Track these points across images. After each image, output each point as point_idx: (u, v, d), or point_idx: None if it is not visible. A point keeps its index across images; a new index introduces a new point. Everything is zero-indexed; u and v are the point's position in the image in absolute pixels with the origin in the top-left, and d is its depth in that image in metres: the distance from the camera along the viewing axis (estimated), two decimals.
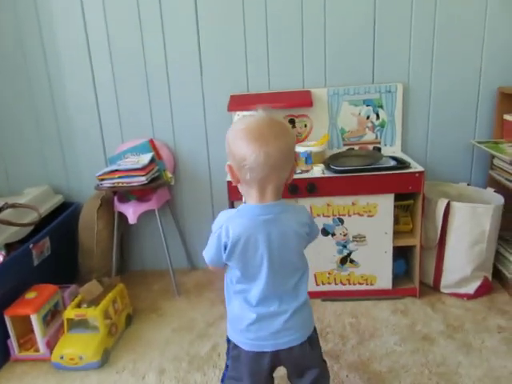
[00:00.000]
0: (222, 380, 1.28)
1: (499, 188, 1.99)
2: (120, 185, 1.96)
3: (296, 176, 1.85)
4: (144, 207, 2.07)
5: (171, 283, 2.16)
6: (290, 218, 1.08)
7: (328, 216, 1.89)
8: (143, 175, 1.93)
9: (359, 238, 1.91)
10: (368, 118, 2.11)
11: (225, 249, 1.06)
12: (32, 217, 1.98)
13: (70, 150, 2.30)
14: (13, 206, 1.91)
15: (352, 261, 1.95)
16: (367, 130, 2.12)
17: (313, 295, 1.97)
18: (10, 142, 2.31)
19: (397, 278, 1.99)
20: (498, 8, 1.96)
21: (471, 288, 1.93)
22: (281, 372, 1.28)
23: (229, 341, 1.19)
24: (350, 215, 1.89)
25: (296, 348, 1.12)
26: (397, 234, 1.91)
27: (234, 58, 2.10)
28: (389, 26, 2.02)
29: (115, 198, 2.13)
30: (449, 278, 1.95)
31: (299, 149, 1.96)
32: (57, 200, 2.25)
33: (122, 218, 2.12)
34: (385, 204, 1.85)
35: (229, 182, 1.86)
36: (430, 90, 2.08)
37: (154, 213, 2.08)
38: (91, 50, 2.14)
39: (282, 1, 2.01)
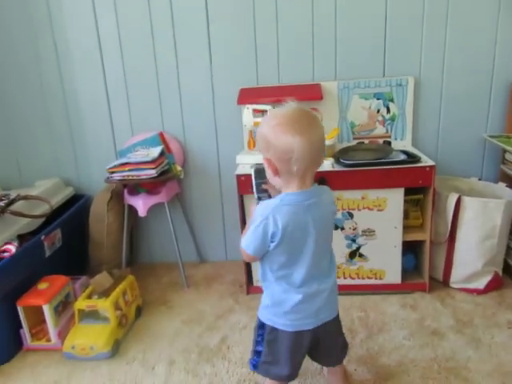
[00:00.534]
0: (255, 367, 1.28)
1: (511, 183, 1.97)
2: (130, 178, 1.97)
3: None
4: (154, 200, 2.08)
5: (180, 275, 2.17)
6: (327, 199, 1.18)
7: (337, 210, 1.89)
8: (153, 168, 1.94)
9: (368, 233, 1.91)
10: (378, 111, 2.09)
11: (271, 238, 1.11)
12: (43, 209, 2.00)
13: (81, 143, 2.32)
14: (25, 197, 1.93)
15: (361, 255, 1.95)
16: (377, 123, 2.11)
17: None
18: (22, 135, 2.33)
19: (406, 272, 1.99)
20: (511, 1, 1.93)
21: (481, 283, 1.91)
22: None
23: (263, 327, 1.24)
24: (359, 209, 1.88)
25: (330, 322, 1.24)
26: (406, 228, 1.91)
27: (244, 51, 2.09)
28: (400, 18, 1.99)
29: (125, 191, 2.15)
30: (459, 272, 1.94)
31: None
32: (68, 192, 2.27)
33: (132, 210, 2.14)
34: (395, 198, 1.84)
35: (238, 176, 1.87)
36: (441, 84, 2.06)
37: (163, 206, 2.09)
38: (102, 45, 2.15)
39: None
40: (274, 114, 1.13)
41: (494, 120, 2.09)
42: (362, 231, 1.91)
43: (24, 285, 1.75)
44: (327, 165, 1.86)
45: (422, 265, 2.00)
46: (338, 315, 1.29)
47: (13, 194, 1.93)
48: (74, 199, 2.28)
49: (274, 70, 2.11)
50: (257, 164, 1.28)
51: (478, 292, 1.92)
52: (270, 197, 1.23)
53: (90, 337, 1.68)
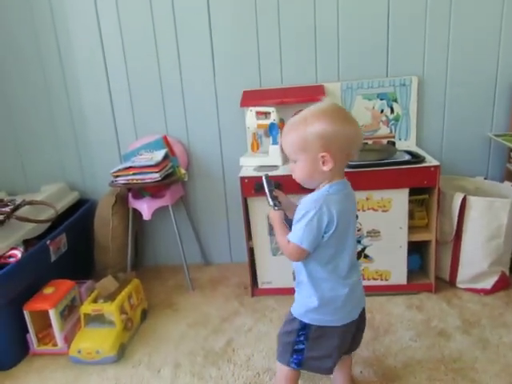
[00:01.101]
0: (299, 364, 1.26)
1: None
2: (134, 181, 1.98)
3: None
4: (158, 203, 2.08)
5: (185, 278, 2.17)
6: (352, 190, 1.25)
7: None
8: (157, 172, 1.94)
9: (374, 233, 1.90)
10: (382, 111, 2.08)
11: (326, 228, 1.14)
12: (49, 213, 2.01)
13: (86, 148, 2.33)
14: (30, 203, 1.94)
15: (366, 256, 1.94)
16: (381, 124, 2.10)
17: None
18: (27, 140, 2.35)
19: (412, 273, 1.97)
20: None
21: (488, 283, 1.90)
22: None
23: (306, 327, 1.24)
24: (364, 210, 1.87)
25: (363, 309, 1.31)
26: (411, 228, 1.89)
27: (247, 53, 2.09)
28: (403, 17, 1.99)
29: (129, 195, 2.15)
30: (465, 273, 1.92)
31: None
32: (73, 197, 2.29)
33: (137, 214, 2.14)
34: (399, 199, 1.84)
35: (242, 178, 1.87)
36: (445, 83, 2.05)
37: (167, 209, 2.10)
38: (105, 49, 2.16)
39: None
40: (319, 110, 1.16)
41: (499, 119, 2.07)
42: (367, 232, 1.90)
43: (30, 289, 1.76)
44: None
45: (428, 265, 1.98)
46: None
47: (18, 200, 1.95)
48: (79, 204, 2.29)
49: (277, 71, 2.11)
50: (264, 172, 1.36)
51: (485, 292, 1.91)
52: (280, 203, 1.29)
53: (95, 341, 1.69)
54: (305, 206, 1.16)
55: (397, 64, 2.04)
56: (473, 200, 1.83)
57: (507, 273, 1.93)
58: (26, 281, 1.74)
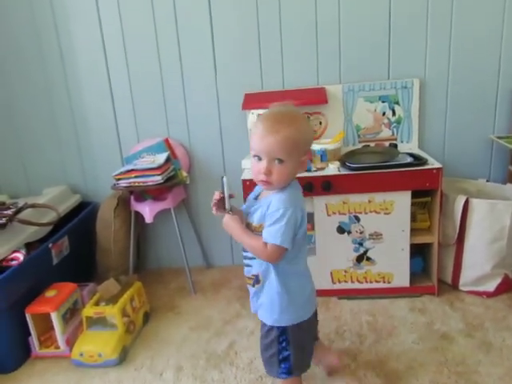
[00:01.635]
0: (289, 373, 1.26)
1: None
2: (136, 184, 1.98)
3: (311, 174, 1.85)
4: (160, 206, 2.08)
5: (187, 281, 2.17)
6: None
7: (344, 214, 1.88)
8: (159, 174, 1.95)
9: (376, 236, 1.90)
10: (384, 114, 2.08)
11: (300, 224, 1.17)
12: (51, 216, 2.01)
13: (87, 151, 2.34)
14: (32, 206, 1.94)
15: (368, 258, 1.93)
16: (383, 126, 2.10)
17: (329, 293, 1.99)
18: (29, 143, 2.35)
19: (414, 275, 1.97)
20: None
21: (491, 286, 1.89)
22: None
23: (284, 332, 1.23)
24: (366, 213, 1.87)
25: None
26: (414, 231, 1.89)
27: (248, 56, 2.10)
28: (404, 20, 1.99)
29: (132, 198, 2.15)
30: (468, 275, 1.92)
31: (314, 146, 1.95)
32: (75, 200, 2.29)
33: (139, 216, 2.14)
34: (402, 201, 1.83)
35: (244, 181, 1.87)
36: (447, 85, 2.05)
37: (169, 212, 2.10)
38: (107, 52, 2.17)
39: None
40: (298, 112, 1.18)
41: (501, 121, 2.07)
42: (369, 235, 1.90)
43: (32, 292, 1.76)
44: (333, 168, 1.86)
45: (431, 268, 1.98)
46: None
47: (20, 203, 1.95)
48: (81, 206, 2.29)
49: (279, 74, 2.11)
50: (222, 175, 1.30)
51: (488, 295, 1.90)
52: (230, 208, 1.24)
53: (98, 344, 1.69)
54: (279, 206, 1.13)
55: (398, 66, 2.04)
56: (475, 202, 1.83)
57: (510, 275, 1.92)
58: (28, 284, 1.75)
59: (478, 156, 2.13)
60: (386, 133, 2.11)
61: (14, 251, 1.74)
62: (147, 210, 2.07)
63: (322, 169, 1.88)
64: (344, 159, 1.90)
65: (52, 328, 1.74)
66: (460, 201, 1.85)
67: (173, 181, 2.04)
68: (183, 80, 2.17)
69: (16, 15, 2.15)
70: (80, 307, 1.87)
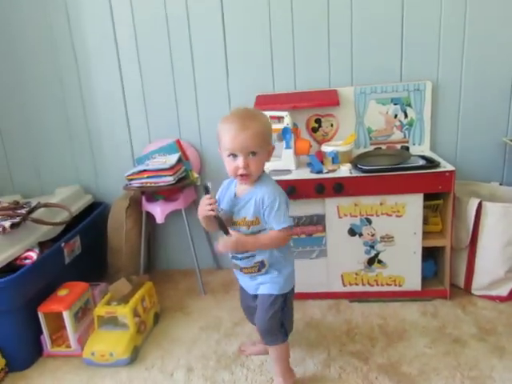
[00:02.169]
0: (286, 333, 1.45)
1: None
2: (148, 185, 1.99)
3: (323, 175, 1.85)
4: (171, 207, 2.09)
5: (197, 282, 2.18)
6: None
7: (355, 216, 1.87)
8: (171, 175, 1.95)
9: (387, 239, 1.89)
10: (396, 116, 2.07)
11: None
12: (63, 216, 2.03)
13: (99, 151, 2.35)
14: (45, 205, 1.96)
15: (380, 261, 1.92)
16: (395, 128, 2.09)
17: (340, 296, 1.98)
18: (42, 144, 2.38)
19: (425, 279, 1.95)
20: None
21: (504, 290, 1.87)
22: None
23: (284, 298, 1.41)
24: (377, 215, 1.86)
25: None
26: (425, 234, 1.88)
27: (260, 57, 2.10)
28: (417, 21, 1.98)
29: (143, 198, 2.16)
30: (480, 279, 1.90)
31: (326, 148, 1.94)
32: (87, 200, 2.30)
33: (150, 217, 2.15)
34: (414, 204, 1.82)
35: None
36: (460, 87, 2.04)
37: (180, 212, 2.10)
38: (120, 53, 2.19)
39: None
40: (253, 111, 1.37)
41: None
42: (381, 237, 1.89)
43: (44, 291, 1.77)
44: (345, 171, 1.85)
45: (443, 271, 1.96)
46: None
47: (34, 202, 1.97)
48: (93, 207, 2.31)
49: (290, 76, 2.11)
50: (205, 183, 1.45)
51: (501, 299, 1.88)
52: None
53: (109, 343, 1.69)
54: (273, 196, 1.31)
55: (411, 69, 2.03)
56: (489, 206, 1.81)
57: None
58: (41, 282, 1.76)
59: (491, 159, 2.11)
60: (397, 135, 2.10)
61: (28, 250, 1.75)
62: (158, 211, 2.08)
63: (334, 170, 1.88)
64: (356, 161, 1.90)
65: (63, 327, 1.75)
66: (473, 204, 1.84)
67: (184, 182, 2.05)
68: (195, 81, 2.18)
69: (30, 19, 2.18)
70: (91, 306, 1.88)
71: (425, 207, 1.85)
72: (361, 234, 1.89)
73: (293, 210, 1.88)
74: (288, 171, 1.94)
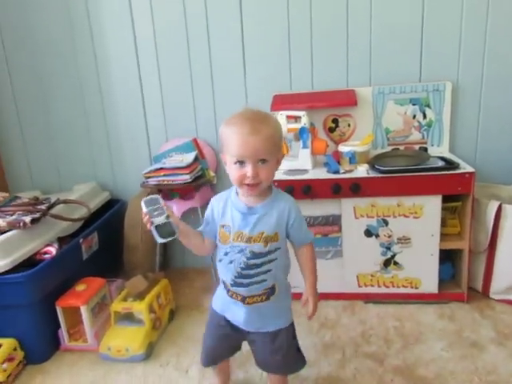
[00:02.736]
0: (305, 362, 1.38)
1: None
2: (165, 182, 2.01)
3: (340, 176, 1.84)
4: (187, 205, 2.10)
5: (212, 280, 2.18)
6: None
7: (372, 217, 1.86)
8: (187, 173, 1.97)
9: (404, 240, 1.87)
10: (414, 117, 2.05)
11: None
12: (81, 212, 2.05)
13: (117, 149, 2.38)
14: (64, 201, 1.99)
15: (396, 263, 1.91)
16: (413, 129, 2.07)
17: (355, 297, 1.97)
18: (62, 142, 2.41)
19: (443, 282, 1.93)
20: None
21: None
22: None
23: (293, 324, 1.35)
24: (394, 216, 1.85)
25: None
26: (443, 236, 1.85)
27: (278, 57, 2.10)
28: (437, 21, 1.96)
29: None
30: (499, 283, 1.87)
31: (343, 148, 1.94)
32: (104, 197, 2.33)
33: None
34: (432, 205, 1.80)
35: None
36: (480, 88, 2.01)
37: (196, 210, 2.11)
38: (139, 54, 2.21)
39: None
40: (263, 113, 1.18)
41: None
42: (398, 239, 1.87)
43: (63, 286, 1.80)
44: (362, 171, 1.84)
45: (460, 274, 1.93)
46: None
47: (53, 198, 2.00)
48: (110, 204, 2.33)
49: (308, 75, 2.11)
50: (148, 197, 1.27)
51: None
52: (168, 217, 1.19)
53: (125, 338, 1.71)
54: (297, 209, 1.21)
55: (430, 69, 2.01)
56: (508, 208, 1.79)
57: None
58: (60, 277, 1.79)
59: (511, 161, 2.07)
60: (415, 136, 2.08)
61: (47, 245, 1.78)
62: (175, 209, 2.09)
63: (351, 171, 1.87)
64: (373, 162, 1.88)
65: (81, 322, 1.77)
66: (493, 207, 1.81)
67: (200, 180, 2.06)
68: (212, 81, 2.19)
69: (52, 19, 2.22)
70: (108, 302, 1.90)
71: (442, 209, 1.83)
72: (377, 235, 1.88)
73: (309, 210, 1.88)
74: (305, 171, 1.94)
